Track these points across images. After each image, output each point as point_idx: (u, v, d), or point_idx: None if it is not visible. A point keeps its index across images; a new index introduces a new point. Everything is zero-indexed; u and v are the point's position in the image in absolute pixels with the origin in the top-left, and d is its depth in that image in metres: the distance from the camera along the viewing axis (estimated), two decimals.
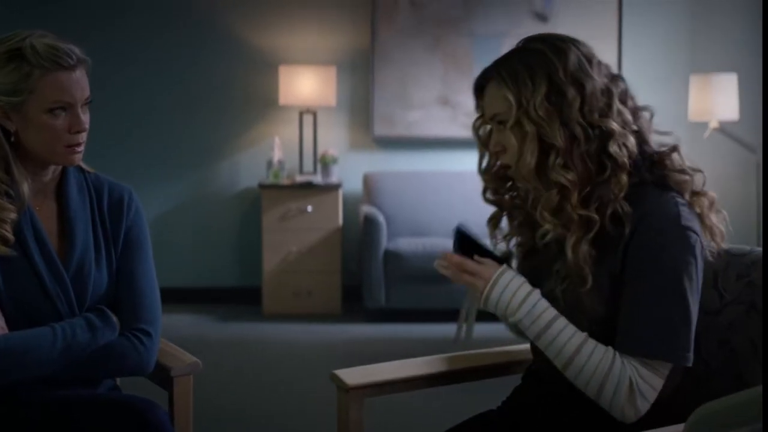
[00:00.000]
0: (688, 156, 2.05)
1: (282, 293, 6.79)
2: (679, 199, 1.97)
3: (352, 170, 7.18)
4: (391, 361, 2.41)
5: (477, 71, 2.09)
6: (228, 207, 7.22)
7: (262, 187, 6.81)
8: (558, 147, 1.94)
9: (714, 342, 2.13)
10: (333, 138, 7.22)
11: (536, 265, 2.11)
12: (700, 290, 1.95)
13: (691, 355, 1.93)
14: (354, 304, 6.87)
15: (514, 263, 2.15)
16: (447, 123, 7.10)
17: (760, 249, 2.14)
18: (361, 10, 7.17)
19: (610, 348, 1.95)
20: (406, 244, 6.54)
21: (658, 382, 1.93)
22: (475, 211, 6.86)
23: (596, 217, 1.94)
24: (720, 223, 2.04)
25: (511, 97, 1.95)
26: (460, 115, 7.03)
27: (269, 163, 6.91)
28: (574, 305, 1.98)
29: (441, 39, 7.12)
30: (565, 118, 1.95)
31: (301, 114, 7.02)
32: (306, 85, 6.82)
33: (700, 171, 2.05)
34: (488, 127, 2.08)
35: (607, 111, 1.97)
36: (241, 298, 7.14)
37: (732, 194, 7.13)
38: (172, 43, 7.13)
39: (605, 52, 7.07)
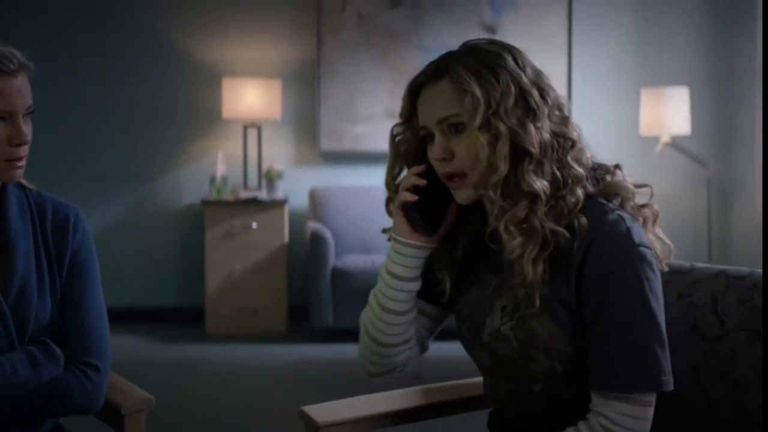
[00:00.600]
0: (632, 174, 1.94)
1: (226, 313, 6.60)
2: (623, 214, 1.82)
3: (298, 185, 7.02)
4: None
5: None
6: (170, 224, 7.02)
7: (205, 203, 6.62)
8: (532, 153, 1.79)
9: (715, 372, 1.98)
10: (278, 152, 7.06)
11: (473, 299, 1.96)
12: (663, 307, 1.82)
13: (671, 378, 1.78)
14: (300, 323, 6.71)
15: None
16: None
17: (761, 271, 2.00)
18: (306, 21, 7.03)
19: (567, 429, 1.79)
20: (354, 261, 6.40)
21: (646, 411, 1.77)
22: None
23: (562, 230, 1.79)
24: (664, 238, 1.91)
25: (479, 94, 1.78)
26: None
27: (212, 179, 6.73)
28: (529, 342, 1.83)
29: (389, 51, 6.99)
30: (537, 123, 1.80)
31: (245, 128, 6.86)
32: (250, 98, 6.66)
33: (646, 185, 1.93)
34: (406, 135, 1.91)
35: (566, 122, 1.86)
36: (183, 318, 6.95)
37: (683, 209, 7.07)
38: (112, 54, 6.93)
39: (555, 65, 7.03)
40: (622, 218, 1.80)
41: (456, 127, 1.83)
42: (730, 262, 6.78)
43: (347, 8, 7.01)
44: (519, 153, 1.79)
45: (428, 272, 1.99)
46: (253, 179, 6.95)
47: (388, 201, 1.96)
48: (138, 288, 6.99)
